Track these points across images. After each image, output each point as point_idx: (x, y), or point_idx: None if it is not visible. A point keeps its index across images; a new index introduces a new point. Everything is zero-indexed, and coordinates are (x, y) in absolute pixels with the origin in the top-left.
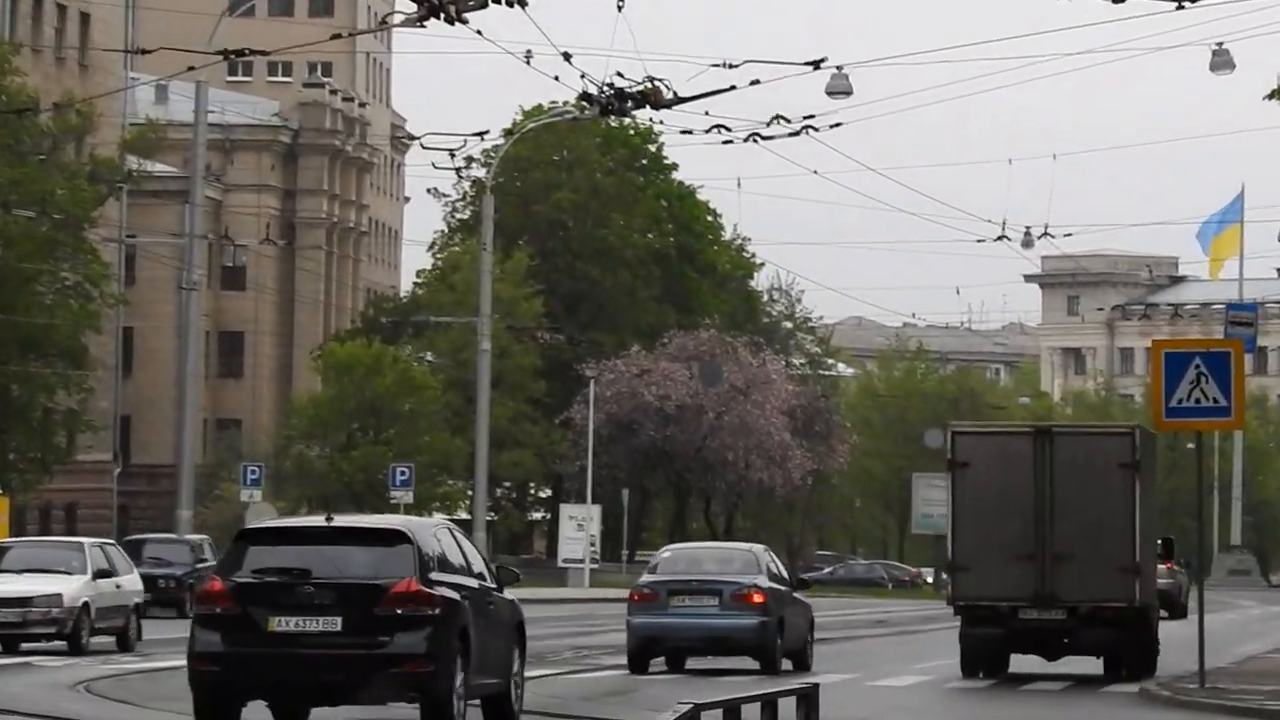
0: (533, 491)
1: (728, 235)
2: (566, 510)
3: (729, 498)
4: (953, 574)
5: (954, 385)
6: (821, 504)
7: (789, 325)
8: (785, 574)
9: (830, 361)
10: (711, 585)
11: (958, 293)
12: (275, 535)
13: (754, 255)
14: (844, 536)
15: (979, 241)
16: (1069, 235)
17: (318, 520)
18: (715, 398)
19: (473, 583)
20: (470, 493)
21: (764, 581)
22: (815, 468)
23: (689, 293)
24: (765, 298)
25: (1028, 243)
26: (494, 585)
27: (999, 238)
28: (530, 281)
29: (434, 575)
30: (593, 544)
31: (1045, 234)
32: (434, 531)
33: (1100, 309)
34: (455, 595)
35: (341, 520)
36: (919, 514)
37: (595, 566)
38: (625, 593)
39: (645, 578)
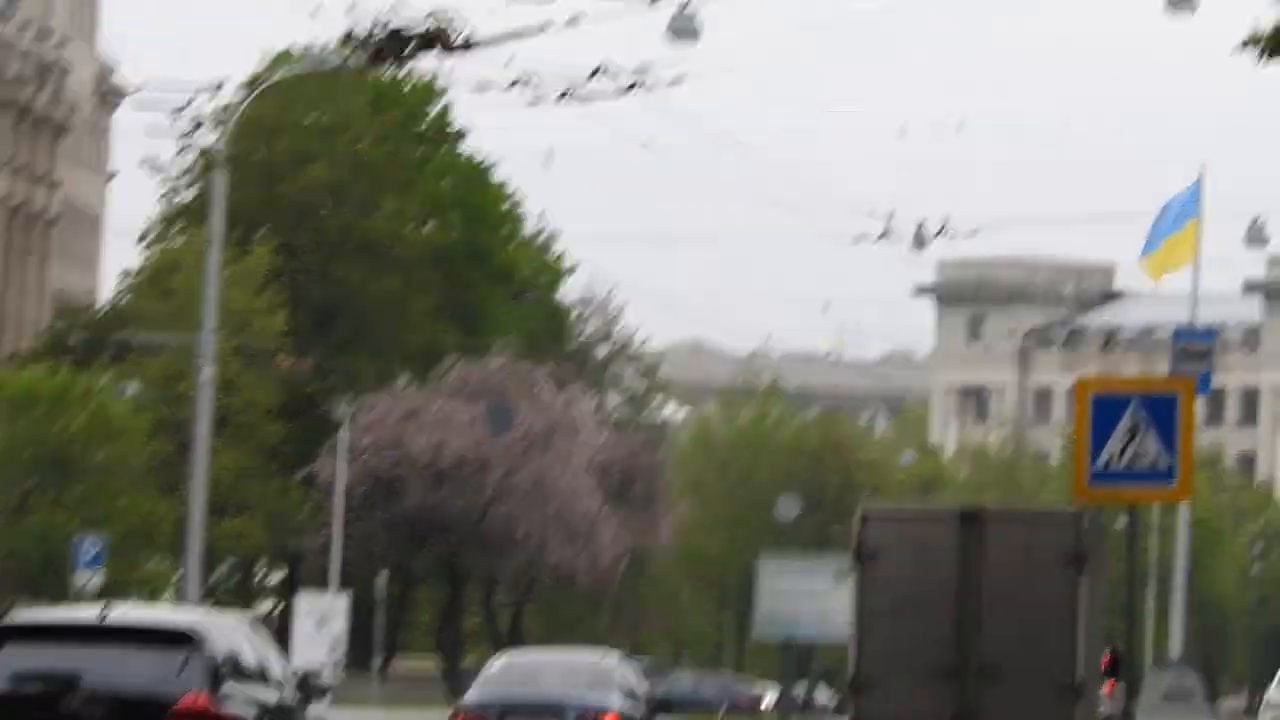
0: (261, 573)
1: (530, 229)
2: (304, 600)
3: (517, 586)
4: (854, 693)
5: (817, 435)
6: (639, 596)
7: (605, 351)
8: (643, 691)
9: (658, 400)
10: (553, 707)
11: (826, 310)
12: (39, 633)
13: (563, 256)
14: (667, 641)
15: (856, 241)
16: (974, 234)
17: (89, 615)
18: (505, 449)
19: (272, 696)
20: (182, 572)
21: (618, 701)
22: (632, 546)
23: (477, 305)
24: (576, 313)
25: (920, 242)
26: (296, 700)
27: (881, 235)
28: (271, 288)
29: (227, 688)
30: (337, 649)
31: (943, 231)
32: (229, 632)
33: (1011, 333)
34: (250, 713)
35: (119, 615)
36: (765, 612)
37: (337, 682)
38: (379, 718)
39: (471, 696)
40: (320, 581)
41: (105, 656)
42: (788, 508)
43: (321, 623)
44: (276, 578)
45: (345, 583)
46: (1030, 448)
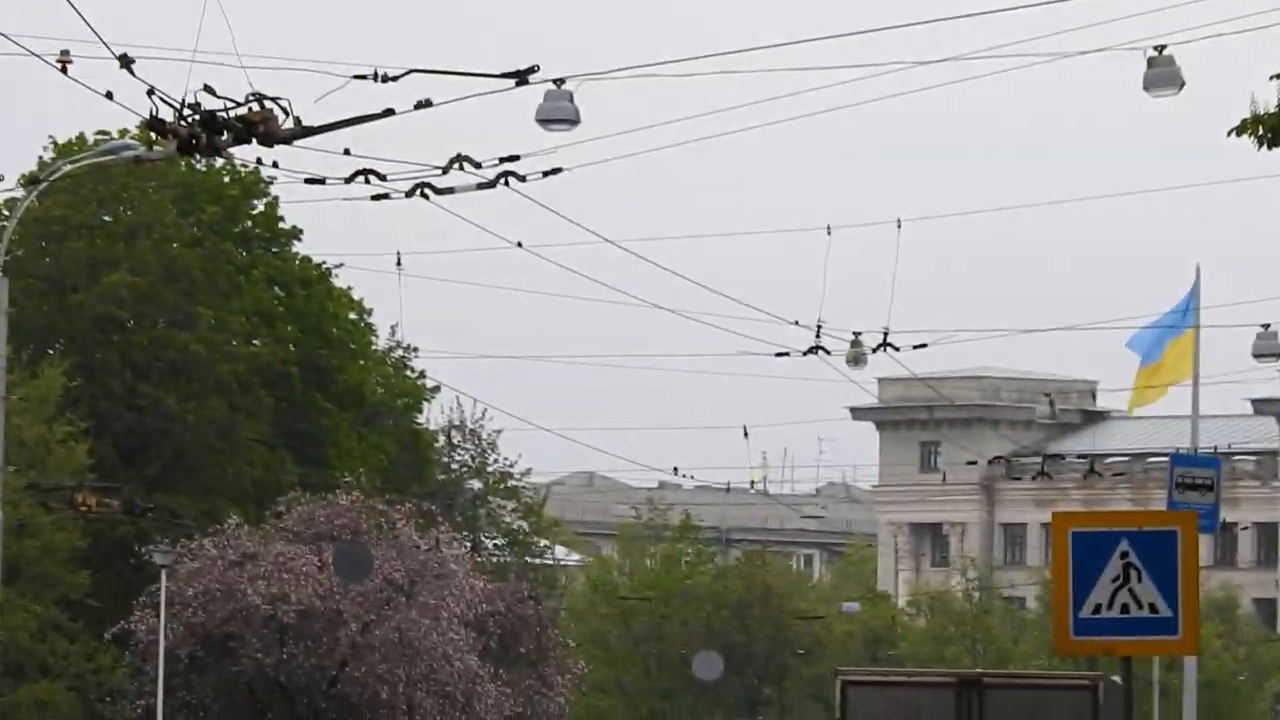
0: None
1: (381, 343)
2: None
3: None
4: None
5: (740, 581)
6: None
7: (478, 486)
8: None
9: (543, 544)
10: None
11: (746, 435)
12: None
13: (424, 375)
14: None
15: (779, 356)
16: (921, 348)
17: None
18: (360, 601)
19: None
20: None
21: None
22: (519, 713)
23: (320, 433)
24: (441, 441)
25: (857, 358)
26: None
27: (812, 349)
28: (68, 415)
29: None
30: None
31: (885, 345)
32: None
33: (973, 463)
34: None
35: None
36: None
37: None
38: None
39: None
40: None
41: None
42: (707, 667)
43: None
44: None
45: None
46: (999, 594)
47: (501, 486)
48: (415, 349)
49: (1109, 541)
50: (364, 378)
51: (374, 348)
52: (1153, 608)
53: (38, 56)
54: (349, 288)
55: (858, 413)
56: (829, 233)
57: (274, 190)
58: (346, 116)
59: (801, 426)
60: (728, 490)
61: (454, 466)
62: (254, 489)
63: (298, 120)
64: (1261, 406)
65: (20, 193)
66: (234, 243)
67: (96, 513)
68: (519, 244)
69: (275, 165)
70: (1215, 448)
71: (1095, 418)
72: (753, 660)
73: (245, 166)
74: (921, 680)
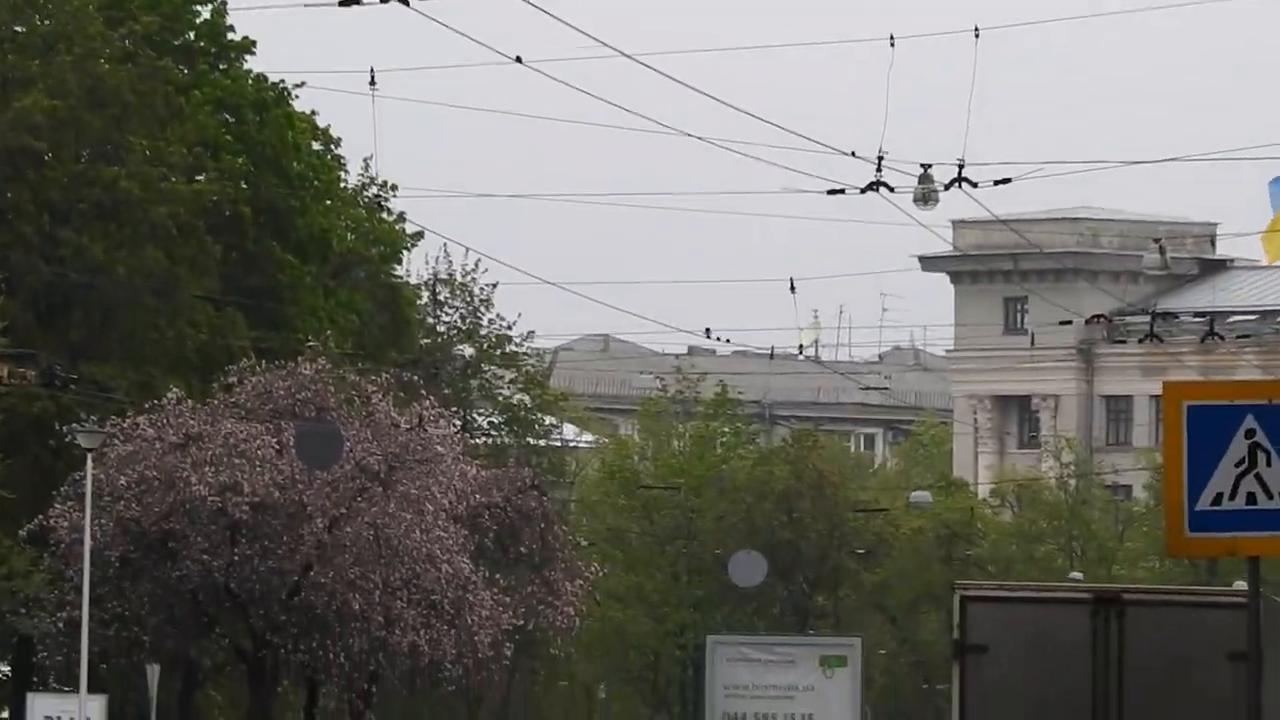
0: None
1: (352, 180)
2: (38, 706)
3: (352, 684)
4: None
5: (787, 467)
6: (531, 696)
7: (468, 352)
8: None
9: (549, 423)
10: None
11: (793, 290)
12: None
13: (403, 219)
14: None
15: (832, 194)
16: (1004, 183)
17: None
18: (328, 491)
19: None
20: None
21: None
22: (519, 625)
23: (278, 289)
24: (424, 299)
25: (926, 196)
26: None
27: (871, 186)
28: None
29: None
30: None
31: (960, 181)
32: None
33: (1067, 323)
34: None
35: None
36: (717, 716)
37: None
38: None
39: None
40: (63, 679)
41: None
42: (747, 570)
43: None
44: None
45: (99, 682)
46: (1101, 481)
47: (498, 353)
48: (393, 187)
49: (1232, 417)
50: (331, 222)
51: (343, 185)
52: None
53: None
54: (312, 112)
55: (928, 263)
56: (892, 43)
57: None
58: None
59: (860, 280)
60: (771, 357)
61: (440, 329)
62: (198, 357)
63: None
64: None
65: None
66: (173, 58)
67: (8, 385)
68: (518, 59)
69: None
70: None
71: (1215, 268)
72: (802, 562)
73: None
74: (1052, 596)
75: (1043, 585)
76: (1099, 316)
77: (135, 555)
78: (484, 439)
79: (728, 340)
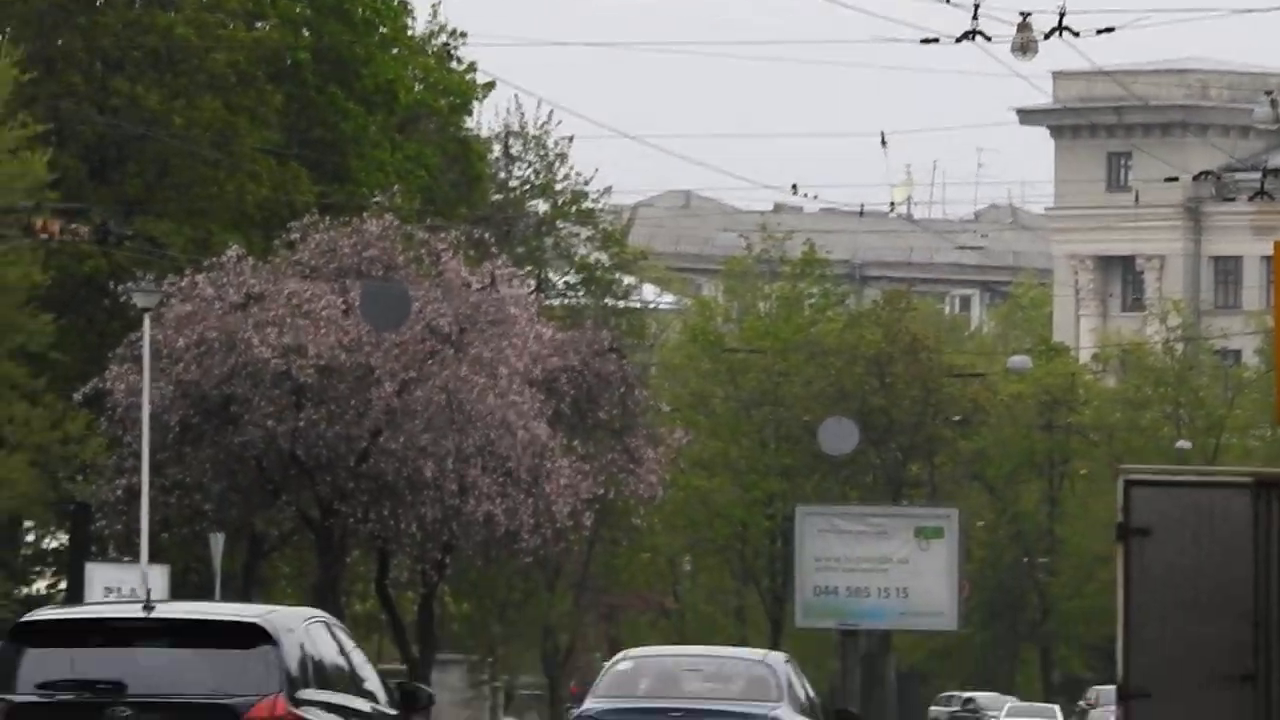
0: (32, 536)
1: (420, 26)
2: (97, 576)
3: (424, 556)
4: (1124, 705)
5: (879, 330)
6: (613, 569)
7: (543, 208)
8: (816, 701)
9: (628, 283)
10: None
11: (884, 145)
12: (68, 632)
13: (474, 69)
14: (660, 631)
15: (925, 43)
16: (1107, 32)
17: (130, 608)
18: (397, 353)
19: (364, 706)
20: None
21: (789, 716)
22: (599, 494)
23: (342, 142)
24: (496, 152)
25: (1025, 45)
26: (393, 710)
27: (967, 35)
28: (21, 117)
29: (306, 693)
30: None
31: (1061, 29)
32: (305, 627)
33: (1174, 179)
34: None
35: (167, 608)
36: (809, 590)
37: None
38: None
39: (590, 705)
40: (123, 549)
41: (155, 658)
42: (838, 438)
43: None
44: (55, 544)
45: (159, 552)
46: (1209, 346)
47: (574, 209)
48: (463, 34)
49: None
50: (397, 72)
51: (410, 33)
52: None
53: None
54: None
55: (1026, 116)
56: None
57: None
58: None
59: (955, 134)
60: (861, 214)
61: (512, 184)
62: (259, 212)
63: None
64: None
65: None
66: None
67: (60, 241)
68: None
69: None
70: None
71: None
72: (895, 430)
73: None
74: (1214, 480)
75: (1205, 470)
76: (1207, 173)
77: (196, 420)
78: (559, 300)
79: (815, 196)
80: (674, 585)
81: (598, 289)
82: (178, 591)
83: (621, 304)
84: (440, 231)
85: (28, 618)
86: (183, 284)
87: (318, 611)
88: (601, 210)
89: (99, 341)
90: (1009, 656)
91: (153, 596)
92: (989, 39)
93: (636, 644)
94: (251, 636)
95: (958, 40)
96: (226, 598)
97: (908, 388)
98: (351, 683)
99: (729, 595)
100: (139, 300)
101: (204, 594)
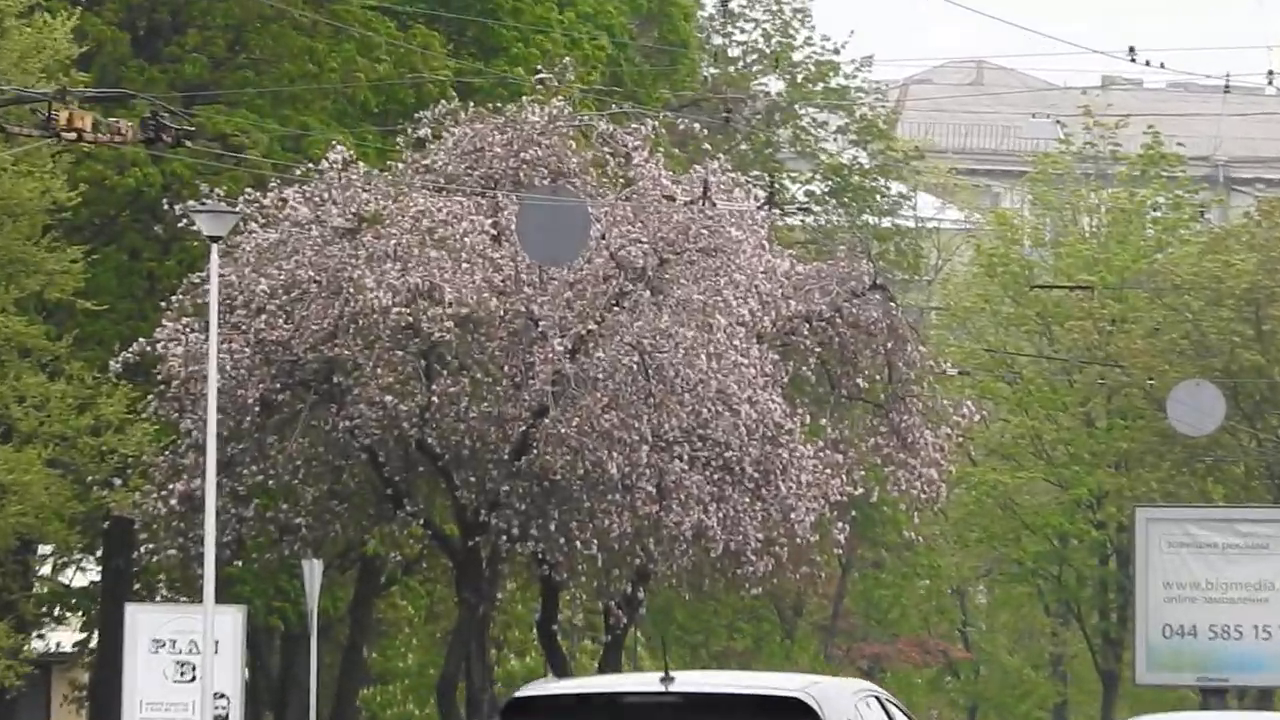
0: (50, 567)
1: None
2: (142, 621)
3: (613, 585)
4: None
5: (1251, 255)
6: (876, 602)
7: (776, 88)
8: None
9: (896, 192)
10: None
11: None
12: (571, 710)
13: None
14: (945, 695)
15: None
16: None
17: (645, 680)
18: (569, 297)
19: None
20: None
21: None
22: (858, 493)
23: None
24: (709, 9)
25: None
26: None
27: None
28: None
29: None
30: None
31: None
32: (856, 703)
33: None
34: None
35: (688, 680)
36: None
37: None
38: None
39: None
40: (179, 584)
41: None
42: (1195, 409)
43: (183, 665)
44: (83, 577)
45: (230, 586)
46: None
47: (818, 88)
48: None
49: None
50: None
51: None
52: None
53: None
54: None
55: None
56: None
57: None
58: None
59: None
60: (1226, 90)
61: (733, 54)
62: (375, 98)
63: None
64: None
65: None
66: None
67: (93, 143)
68: None
69: None
70: None
71: None
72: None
73: None
74: None
75: None
76: None
77: (283, 396)
78: (800, 219)
79: (1161, 65)
80: (962, 626)
81: (854, 201)
82: (259, 646)
83: (887, 223)
84: (631, 123)
85: (523, 693)
86: (266, 202)
87: (868, 685)
88: (859, 90)
89: (148, 286)
90: None
91: (214, 650)
92: None
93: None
94: (793, 715)
95: None
96: (328, 651)
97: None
98: None
99: (1042, 640)
100: (204, 226)
101: (292, 644)
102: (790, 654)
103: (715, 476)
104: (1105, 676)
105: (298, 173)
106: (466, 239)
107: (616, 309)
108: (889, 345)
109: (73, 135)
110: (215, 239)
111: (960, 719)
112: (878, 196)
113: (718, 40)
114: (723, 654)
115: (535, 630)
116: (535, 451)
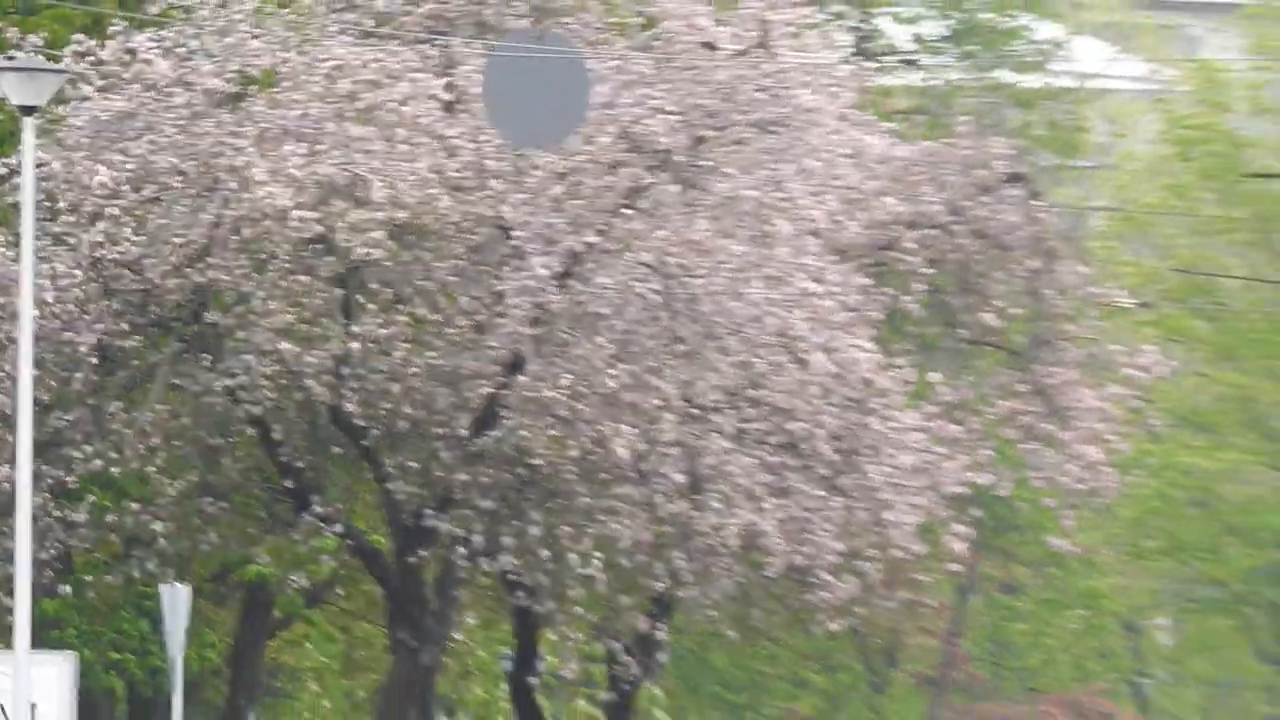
0: None
1: None
2: None
3: (621, 621)
4: None
5: None
6: (1009, 642)
7: None
8: None
9: (1046, 37)
10: None
11: None
12: None
13: None
14: None
15: None
16: None
17: None
18: (553, 194)
19: None
20: None
21: None
22: (981, 482)
23: None
24: None
25: None
26: None
27: None
28: None
29: None
30: None
31: None
32: None
33: None
34: None
35: None
36: None
37: None
38: None
39: None
40: None
41: None
42: None
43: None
44: None
45: (51, 628)
46: None
47: None
48: None
49: None
50: None
51: None
52: None
53: None
54: None
55: None
56: None
57: None
58: None
59: None
60: None
61: None
62: None
63: None
64: None
65: None
66: None
67: None
68: None
69: None
70: None
71: None
72: None
73: None
74: None
75: None
76: None
77: (132, 343)
78: (903, 77)
79: None
80: (1136, 677)
81: (984, 51)
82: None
83: (1034, 82)
84: None
85: None
86: (106, 55)
87: None
88: None
89: None
90: None
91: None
92: None
93: None
94: None
95: None
96: (197, 718)
97: None
98: None
99: (1250, 696)
100: (12, 91)
101: (143, 710)
102: (881, 717)
103: (773, 460)
104: None
105: (152, 11)
106: (405, 108)
107: (629, 212)
108: (1034, 265)
109: None
110: (29, 110)
111: None
112: (1018, 43)
113: None
114: None
115: (506, 685)
116: (506, 424)
